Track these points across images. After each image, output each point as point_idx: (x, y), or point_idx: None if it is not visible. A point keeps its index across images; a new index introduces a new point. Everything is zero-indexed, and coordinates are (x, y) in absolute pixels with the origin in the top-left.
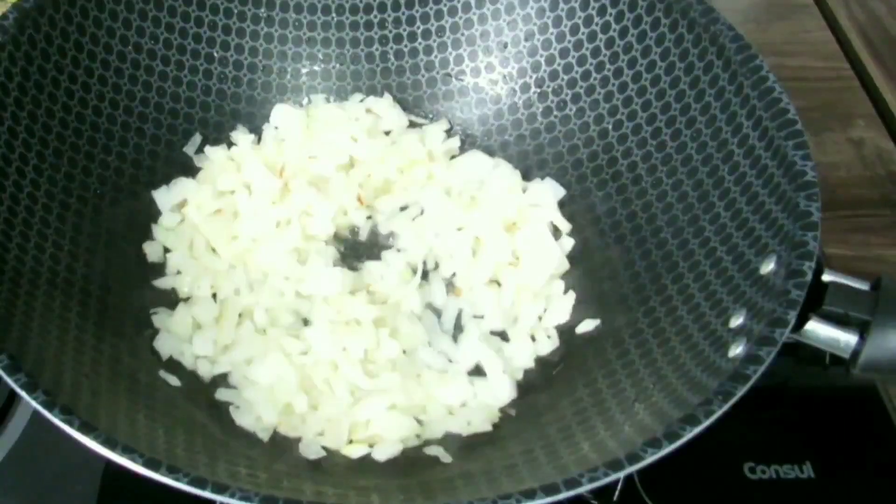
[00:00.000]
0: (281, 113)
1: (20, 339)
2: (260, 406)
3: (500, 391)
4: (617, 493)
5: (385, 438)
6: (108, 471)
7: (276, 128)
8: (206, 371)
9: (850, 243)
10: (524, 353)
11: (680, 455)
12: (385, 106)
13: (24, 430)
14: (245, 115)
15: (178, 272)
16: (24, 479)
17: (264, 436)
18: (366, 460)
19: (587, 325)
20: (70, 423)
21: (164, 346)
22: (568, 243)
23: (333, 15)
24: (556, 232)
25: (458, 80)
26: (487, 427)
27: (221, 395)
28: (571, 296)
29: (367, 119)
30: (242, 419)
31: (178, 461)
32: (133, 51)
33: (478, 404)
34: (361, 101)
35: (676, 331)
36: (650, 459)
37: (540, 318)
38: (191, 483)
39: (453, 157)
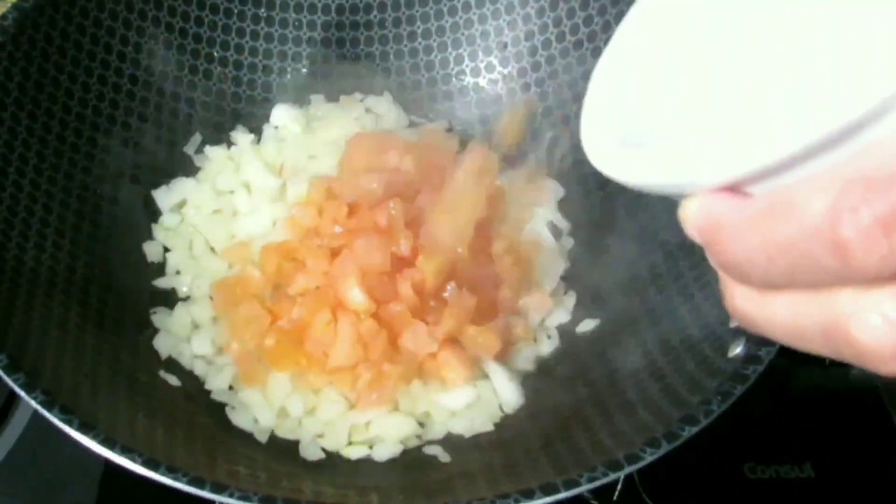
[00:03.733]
0: (281, 113)
1: (20, 339)
2: (256, 408)
3: (507, 398)
4: (617, 492)
5: (385, 439)
6: (107, 471)
7: (276, 128)
8: (202, 371)
9: None
10: (525, 355)
11: (680, 455)
12: (385, 106)
13: (25, 431)
14: (245, 115)
15: (178, 272)
16: (25, 479)
17: (262, 437)
18: (366, 460)
19: (587, 325)
20: (69, 423)
21: (164, 345)
22: (568, 242)
23: (334, 15)
24: (556, 231)
25: (458, 80)
26: (489, 427)
27: (218, 395)
28: (572, 295)
29: (367, 119)
30: (239, 420)
31: (178, 461)
32: (133, 51)
33: (481, 405)
34: (361, 100)
35: (676, 330)
36: (649, 460)
37: (542, 319)
38: (190, 483)
39: None
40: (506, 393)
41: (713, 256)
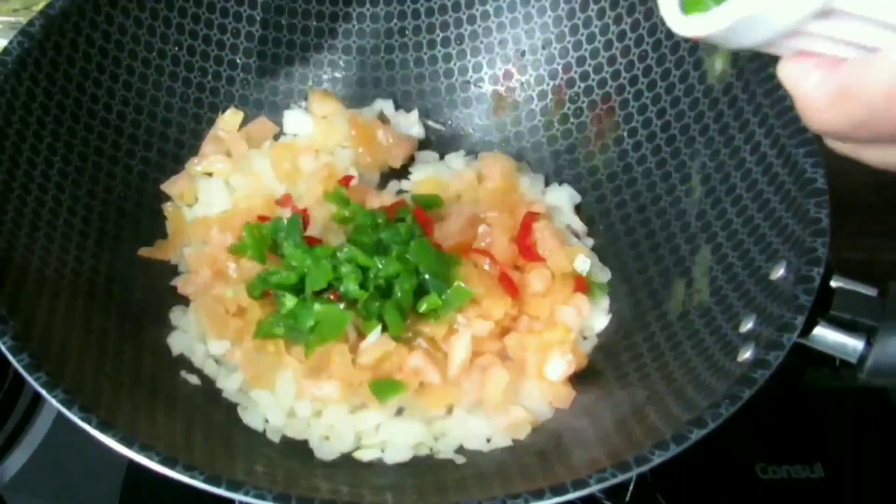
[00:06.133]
0: (294, 118)
1: (43, 339)
2: (266, 409)
3: (539, 413)
4: (630, 492)
5: (396, 444)
6: (130, 470)
7: (292, 133)
8: (213, 371)
9: (860, 248)
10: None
11: (693, 455)
12: (408, 120)
13: (49, 431)
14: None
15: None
16: (49, 479)
17: (274, 437)
18: (380, 461)
19: (599, 325)
20: (88, 422)
21: (177, 343)
22: (588, 242)
23: (355, 23)
24: (574, 235)
25: (477, 88)
26: (508, 442)
27: (230, 395)
28: (604, 297)
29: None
30: (250, 419)
31: (196, 459)
32: (157, 57)
33: (510, 427)
34: (380, 113)
35: (688, 334)
36: (657, 461)
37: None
38: (206, 481)
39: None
40: (539, 409)
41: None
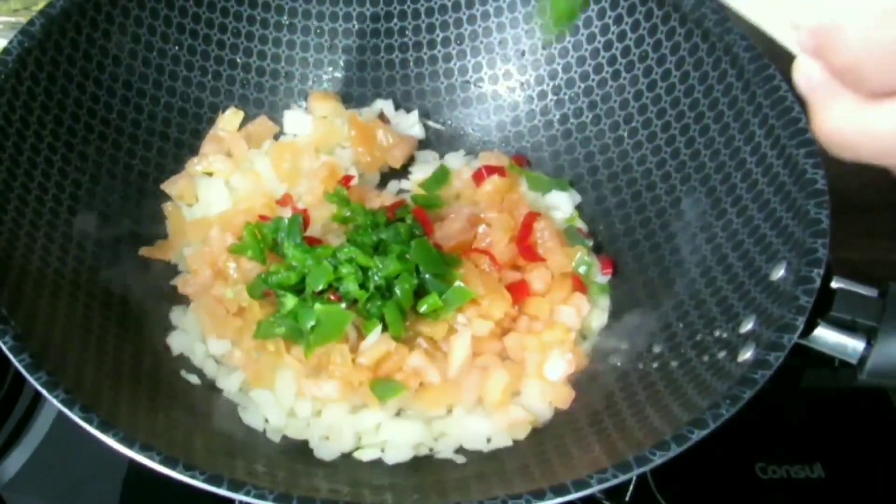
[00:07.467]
0: (294, 118)
1: (43, 339)
2: (266, 408)
3: (539, 414)
4: (629, 492)
5: (396, 444)
6: (130, 470)
7: (291, 133)
8: (213, 371)
9: (860, 248)
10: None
11: (692, 455)
12: (408, 121)
13: (49, 431)
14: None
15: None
16: (49, 479)
17: (275, 437)
18: (380, 461)
19: (599, 324)
20: (89, 421)
21: (177, 343)
22: (587, 244)
23: (355, 23)
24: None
25: (477, 88)
26: (508, 442)
27: (230, 395)
28: (605, 297)
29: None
30: (250, 420)
31: (197, 459)
32: (158, 57)
33: (511, 427)
34: (380, 113)
35: (687, 335)
36: (658, 461)
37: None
38: (207, 481)
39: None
40: (539, 410)
41: (831, 59)
